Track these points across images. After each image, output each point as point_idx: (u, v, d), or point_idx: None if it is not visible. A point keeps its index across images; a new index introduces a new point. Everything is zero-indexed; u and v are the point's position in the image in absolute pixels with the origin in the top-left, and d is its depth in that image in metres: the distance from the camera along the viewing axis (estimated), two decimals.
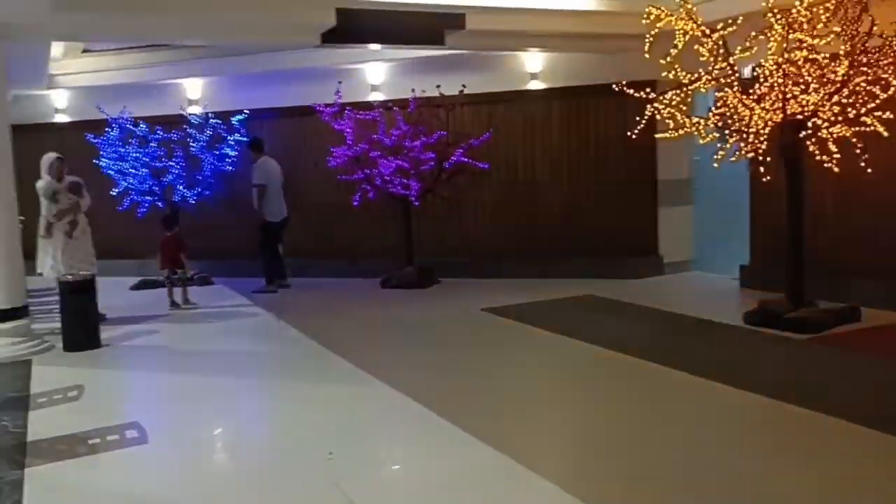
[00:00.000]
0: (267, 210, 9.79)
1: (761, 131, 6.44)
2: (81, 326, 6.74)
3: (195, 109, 10.96)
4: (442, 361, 5.96)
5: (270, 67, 10.22)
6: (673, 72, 6.79)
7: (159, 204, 10.60)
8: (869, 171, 6.13)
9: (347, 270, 10.50)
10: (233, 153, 10.56)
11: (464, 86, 9.27)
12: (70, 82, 11.17)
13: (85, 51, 10.85)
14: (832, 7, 6.02)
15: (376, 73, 10.31)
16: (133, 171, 10.35)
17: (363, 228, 10.56)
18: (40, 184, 7.73)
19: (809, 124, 6.32)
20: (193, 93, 11.14)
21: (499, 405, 4.81)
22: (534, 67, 9.74)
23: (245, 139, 10.50)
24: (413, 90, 9.50)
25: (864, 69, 6.00)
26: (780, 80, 6.22)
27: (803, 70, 6.19)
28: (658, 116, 6.95)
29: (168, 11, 6.70)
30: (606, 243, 9.66)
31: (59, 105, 11.77)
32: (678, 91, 6.85)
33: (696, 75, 6.71)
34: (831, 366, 5.59)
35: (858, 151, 6.10)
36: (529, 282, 9.43)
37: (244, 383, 5.62)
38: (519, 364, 5.82)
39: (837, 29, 6.02)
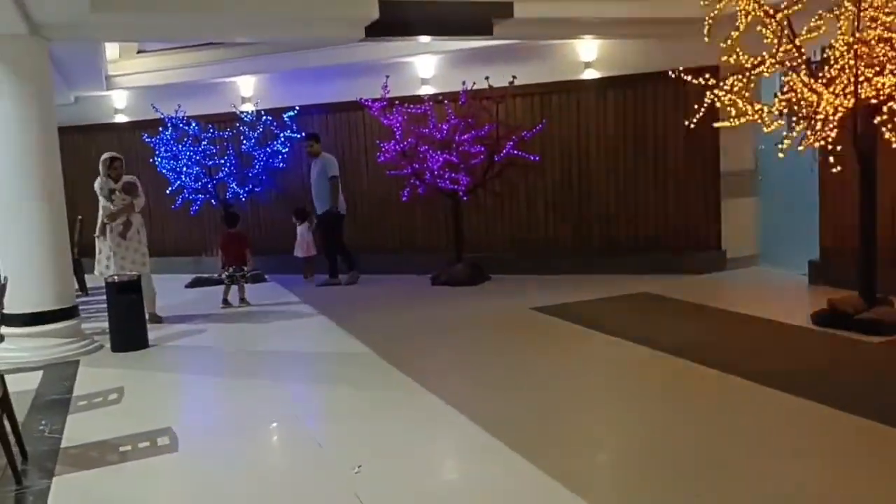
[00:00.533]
0: (339, 202, 9.85)
1: (831, 117, 5.98)
2: (128, 326, 6.75)
3: (247, 107, 10.96)
4: (488, 368, 5.72)
5: (321, 63, 10.13)
6: (734, 56, 6.37)
7: (213, 202, 10.65)
8: None
9: (398, 266, 10.35)
10: (284, 150, 10.53)
11: (514, 77, 8.98)
12: (127, 83, 11.32)
13: (140, 51, 10.98)
14: None
15: (426, 66, 10.10)
16: (186, 169, 10.39)
17: (414, 224, 10.41)
18: (97, 183, 7.77)
19: (885, 109, 5.82)
20: (246, 90, 11.14)
21: (545, 419, 4.54)
22: (588, 56, 9.38)
23: (296, 135, 10.46)
24: (464, 82, 9.26)
25: None
26: (852, 62, 5.74)
27: (877, 50, 5.70)
28: (719, 104, 6.53)
29: (209, 9, 6.64)
30: (666, 238, 9.25)
31: (119, 105, 11.96)
32: (740, 76, 6.42)
33: (759, 59, 6.27)
34: None
35: None
36: (584, 278, 9.09)
37: (283, 388, 5.49)
38: (565, 372, 5.51)
39: None
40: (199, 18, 6.73)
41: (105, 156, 7.88)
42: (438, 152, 9.23)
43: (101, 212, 7.71)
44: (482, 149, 9.20)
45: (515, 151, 9.13)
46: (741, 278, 8.77)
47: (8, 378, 6.02)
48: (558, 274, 9.46)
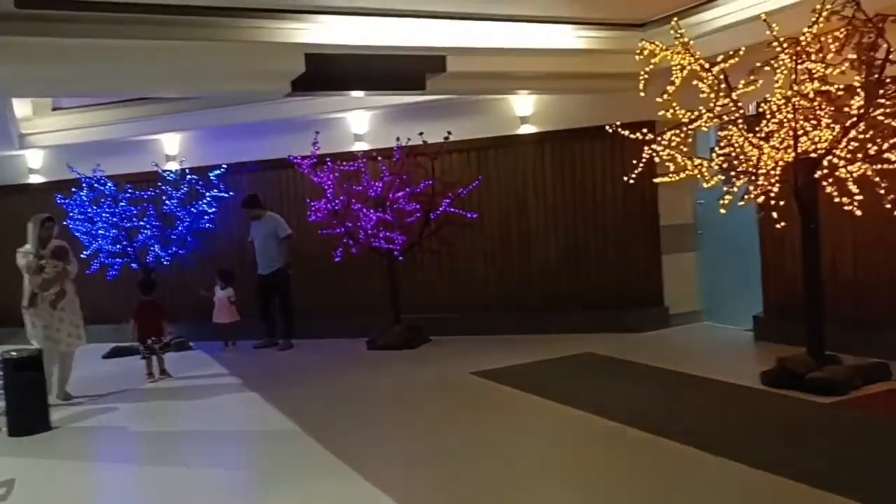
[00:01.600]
0: (287, 261, 9.59)
1: (771, 172, 5.85)
2: (27, 407, 6.09)
3: (172, 165, 10.46)
4: (423, 442, 5.27)
5: (249, 119, 9.76)
6: (671, 110, 6.23)
7: (133, 265, 10.03)
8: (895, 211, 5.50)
9: (333, 329, 9.86)
10: (211, 210, 10.03)
11: (449, 132, 8.73)
12: (42, 141, 10.70)
13: (55, 108, 10.41)
14: (845, 34, 5.46)
15: (359, 122, 9.82)
16: (103, 231, 9.77)
17: (348, 285, 9.96)
18: (22, 251, 7.01)
19: (825, 163, 5.73)
20: (171, 148, 10.65)
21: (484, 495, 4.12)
22: (524, 111, 9.23)
23: (223, 194, 9.99)
24: (398, 138, 8.98)
25: (883, 101, 5.42)
26: (790, 116, 5.64)
27: (815, 104, 5.61)
28: (657, 159, 6.36)
29: (124, 62, 6.21)
30: (609, 294, 9.01)
31: (34, 165, 11.31)
32: (677, 131, 6.28)
33: (696, 113, 6.14)
34: (862, 435, 4.90)
35: (882, 191, 5.48)
36: (525, 338, 8.77)
37: (199, 476, 4.93)
38: (504, 446, 5.10)
39: (852, 56, 5.44)
40: (115, 71, 6.28)
41: (36, 217, 7.19)
42: (372, 210, 8.87)
43: (26, 282, 6.97)
44: (418, 206, 8.88)
45: (452, 209, 8.84)
46: (686, 335, 8.56)
47: None
48: (500, 334, 9.12)
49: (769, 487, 4.03)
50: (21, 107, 10.16)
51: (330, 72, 7.09)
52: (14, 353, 6.14)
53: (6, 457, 5.57)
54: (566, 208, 9.18)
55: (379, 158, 9.12)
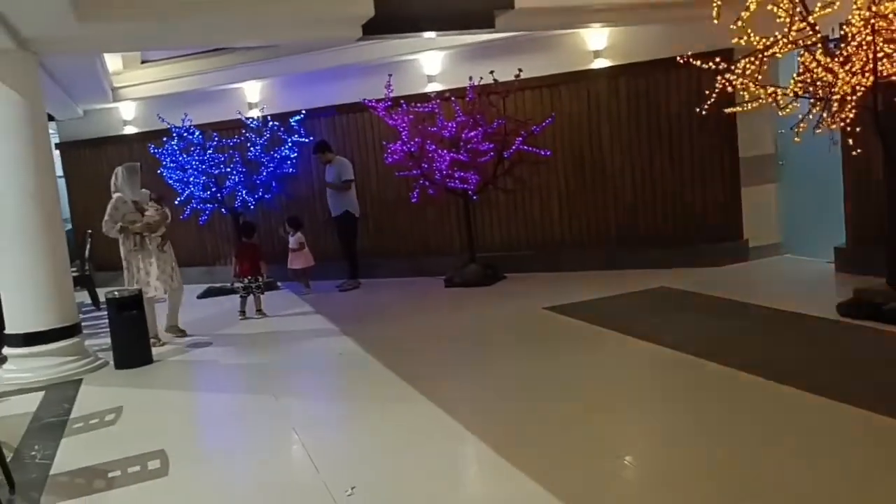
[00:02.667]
0: (354, 205, 9.87)
1: (849, 97, 5.65)
2: (131, 343, 6.62)
3: (254, 113, 10.82)
4: (496, 375, 5.49)
5: (325, 65, 9.96)
6: (746, 38, 6.06)
7: (223, 211, 10.53)
8: None
9: (412, 269, 10.16)
10: (293, 155, 10.37)
11: (520, 69, 8.70)
12: (133, 94, 11.25)
13: (144, 61, 10.89)
14: None
15: (432, 63, 9.88)
16: (193, 179, 10.26)
17: (425, 225, 10.20)
18: (119, 198, 7.21)
19: None
20: (252, 96, 11.01)
21: (559, 434, 4.29)
22: (597, 45, 9.08)
23: (304, 139, 10.31)
24: (470, 78, 9.01)
25: None
26: (869, 38, 5.41)
27: None
28: (731, 88, 6.21)
29: (198, 15, 6.47)
30: (686, 229, 8.93)
31: (127, 117, 11.90)
32: (752, 59, 6.11)
33: (771, 40, 5.95)
34: None
35: None
36: (600, 274, 8.82)
37: (284, 404, 5.30)
38: (579, 378, 5.25)
39: None
40: (190, 24, 6.55)
41: (128, 165, 7.48)
42: (446, 151, 8.99)
43: (111, 224, 7.17)
44: (491, 146, 8.95)
45: (525, 147, 8.87)
46: (765, 269, 8.43)
47: (9, 400, 5.99)
48: (574, 271, 9.20)
49: (833, 413, 4.05)
50: (112, 61, 10.68)
51: (399, 14, 7.16)
52: (116, 293, 6.65)
53: (113, 387, 6.11)
54: (641, 142, 9.07)
55: (452, 99, 9.19)
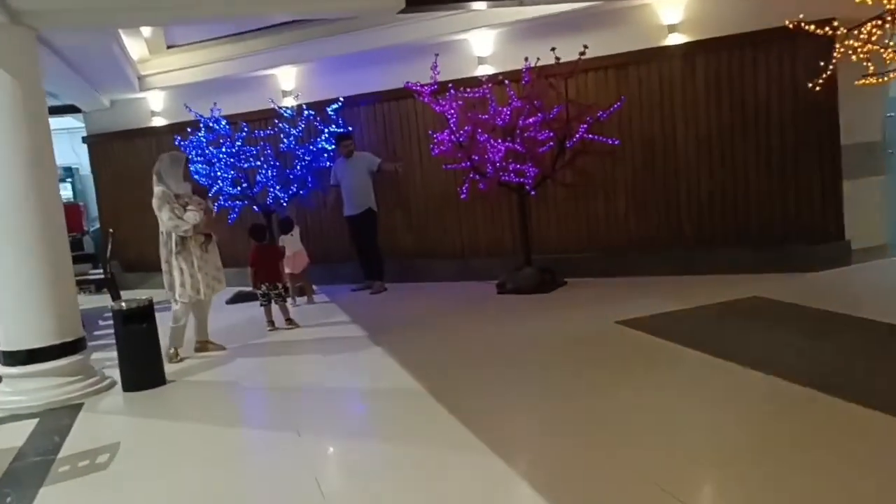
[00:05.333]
0: (375, 201, 9.23)
1: None
2: (140, 361, 5.76)
3: (288, 101, 9.95)
4: (561, 406, 4.47)
5: (364, 46, 9.08)
6: None
7: (254, 208, 9.67)
8: None
9: (458, 272, 9.19)
10: (330, 147, 9.47)
11: (585, 46, 7.62)
12: (160, 82, 10.51)
13: (170, 46, 10.10)
14: None
15: (483, 43, 8.87)
16: (221, 173, 9.42)
17: (475, 223, 9.22)
18: (161, 191, 6.27)
19: None
20: (286, 83, 10.13)
21: (645, 486, 3.27)
22: (672, 18, 7.97)
23: (342, 130, 9.40)
24: (526, 58, 7.98)
25: None
26: None
27: None
28: (855, 58, 5.09)
29: None
30: (775, 228, 7.78)
31: (156, 108, 11.16)
32: (878, 22, 4.99)
33: None
34: None
35: None
36: (676, 280, 7.74)
37: (308, 443, 4.36)
38: (661, 411, 4.21)
39: None
40: None
41: (173, 154, 6.55)
42: (500, 141, 7.98)
43: (167, 224, 6.25)
44: (551, 134, 7.90)
45: (590, 135, 7.80)
46: (871, 274, 7.25)
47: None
48: (644, 275, 8.13)
49: None
50: (136, 47, 9.92)
51: None
52: (123, 305, 5.79)
53: (115, 415, 5.26)
54: (722, 129, 7.93)
55: (506, 82, 8.19)
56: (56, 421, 5.14)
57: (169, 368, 6.08)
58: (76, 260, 9.78)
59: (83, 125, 11.98)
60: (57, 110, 11.62)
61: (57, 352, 5.62)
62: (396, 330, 7.00)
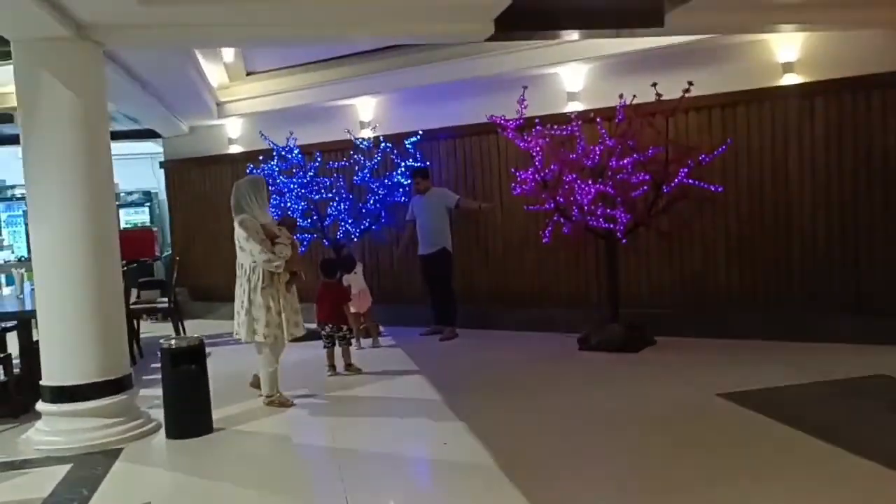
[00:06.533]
0: (450, 240, 8.67)
1: None
2: (186, 406, 5.28)
3: (365, 133, 9.54)
4: (657, 501, 3.72)
5: (447, 78, 8.59)
6: None
7: (324, 242, 9.23)
8: None
9: (534, 321, 8.49)
10: (406, 181, 8.98)
11: (690, 83, 6.90)
12: (238, 109, 10.28)
13: (249, 73, 9.87)
14: None
15: (574, 77, 8.26)
16: (292, 204, 9.02)
17: (556, 270, 8.52)
18: (245, 218, 5.70)
19: None
20: (365, 114, 9.73)
21: None
22: (787, 55, 7.18)
23: (419, 164, 8.90)
24: (621, 95, 7.32)
25: None
26: None
27: None
28: None
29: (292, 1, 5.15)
30: None
31: (233, 135, 10.95)
32: None
33: None
34: None
35: None
36: (783, 346, 6.88)
37: None
38: None
39: None
40: (272, 11, 5.21)
41: (251, 178, 6.10)
42: (589, 182, 7.30)
43: (254, 256, 5.67)
44: (646, 177, 7.18)
45: (690, 180, 7.04)
46: None
47: (29, 473, 4.74)
48: (745, 338, 7.26)
49: None
50: (216, 73, 9.73)
51: (541, 5, 5.63)
52: (173, 343, 5.33)
53: (152, 467, 4.78)
54: (842, 178, 7.05)
55: (597, 120, 7.52)
56: (89, 469, 4.69)
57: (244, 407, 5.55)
58: (145, 286, 9.60)
59: (161, 150, 11.91)
60: (139, 135, 11.62)
61: (98, 390, 5.20)
62: (467, 386, 6.35)
